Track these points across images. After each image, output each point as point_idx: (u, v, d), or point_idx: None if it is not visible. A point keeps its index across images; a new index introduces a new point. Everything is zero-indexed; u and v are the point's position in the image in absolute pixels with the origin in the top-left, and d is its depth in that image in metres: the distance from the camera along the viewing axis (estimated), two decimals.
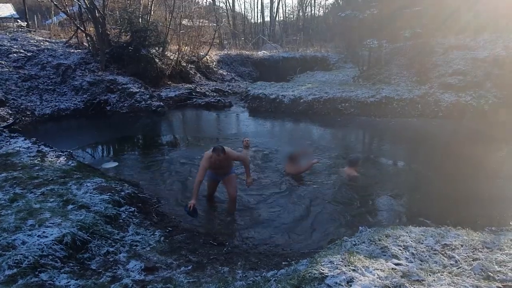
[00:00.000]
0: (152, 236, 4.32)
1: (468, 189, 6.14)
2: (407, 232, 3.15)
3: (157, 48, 17.80)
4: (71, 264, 3.42)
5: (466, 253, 2.69)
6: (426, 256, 2.67)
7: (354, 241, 3.14)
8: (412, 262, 2.59)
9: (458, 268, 2.47)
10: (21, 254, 3.24)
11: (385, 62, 16.07)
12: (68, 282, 3.11)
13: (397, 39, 15.47)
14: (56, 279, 3.12)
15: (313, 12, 47.18)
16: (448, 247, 2.75)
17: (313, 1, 48.07)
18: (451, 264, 2.54)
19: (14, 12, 31.50)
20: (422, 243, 2.90)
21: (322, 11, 45.42)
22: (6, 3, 32.82)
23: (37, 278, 3.06)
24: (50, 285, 3.02)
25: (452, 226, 3.34)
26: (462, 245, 2.82)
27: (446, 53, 14.09)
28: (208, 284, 3.12)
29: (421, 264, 2.54)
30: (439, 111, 11.70)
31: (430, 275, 2.31)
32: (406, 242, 2.90)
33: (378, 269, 2.36)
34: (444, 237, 2.97)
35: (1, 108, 11.35)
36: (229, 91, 18.53)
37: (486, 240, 2.97)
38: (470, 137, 9.65)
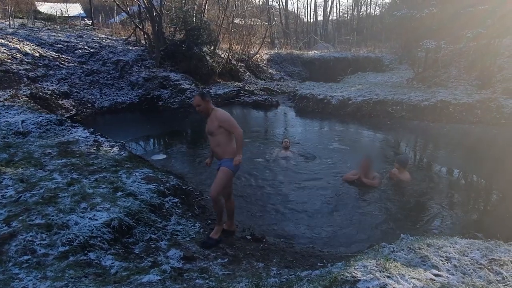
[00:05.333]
0: (193, 227, 4.48)
1: None
2: (451, 243, 2.97)
3: (209, 46, 18.31)
4: (117, 247, 3.65)
5: None
6: (469, 270, 2.50)
7: (393, 248, 3.03)
8: (453, 275, 2.44)
9: (505, 285, 2.29)
10: (73, 233, 3.53)
11: (443, 64, 15.19)
12: (113, 263, 3.33)
13: (457, 40, 14.50)
14: (103, 259, 3.36)
15: (368, 11, 46.00)
16: (495, 262, 2.56)
17: (369, 0, 46.70)
18: (497, 280, 2.37)
19: (82, 12, 34.06)
20: (466, 256, 2.72)
21: (378, 10, 44.08)
22: (75, 3, 35.53)
23: (86, 257, 3.31)
24: (97, 264, 3.25)
25: (503, 241, 3.10)
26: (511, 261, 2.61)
27: None
28: (242, 278, 3.17)
29: (463, 278, 2.39)
30: (501, 118, 10.82)
31: None
32: (449, 253, 2.74)
33: (414, 278, 2.26)
34: (492, 251, 2.77)
35: (66, 100, 12.36)
36: (278, 90, 18.57)
37: None
38: None
